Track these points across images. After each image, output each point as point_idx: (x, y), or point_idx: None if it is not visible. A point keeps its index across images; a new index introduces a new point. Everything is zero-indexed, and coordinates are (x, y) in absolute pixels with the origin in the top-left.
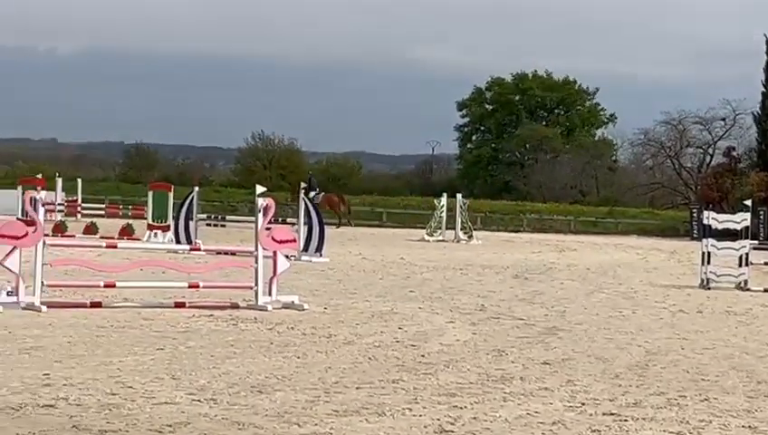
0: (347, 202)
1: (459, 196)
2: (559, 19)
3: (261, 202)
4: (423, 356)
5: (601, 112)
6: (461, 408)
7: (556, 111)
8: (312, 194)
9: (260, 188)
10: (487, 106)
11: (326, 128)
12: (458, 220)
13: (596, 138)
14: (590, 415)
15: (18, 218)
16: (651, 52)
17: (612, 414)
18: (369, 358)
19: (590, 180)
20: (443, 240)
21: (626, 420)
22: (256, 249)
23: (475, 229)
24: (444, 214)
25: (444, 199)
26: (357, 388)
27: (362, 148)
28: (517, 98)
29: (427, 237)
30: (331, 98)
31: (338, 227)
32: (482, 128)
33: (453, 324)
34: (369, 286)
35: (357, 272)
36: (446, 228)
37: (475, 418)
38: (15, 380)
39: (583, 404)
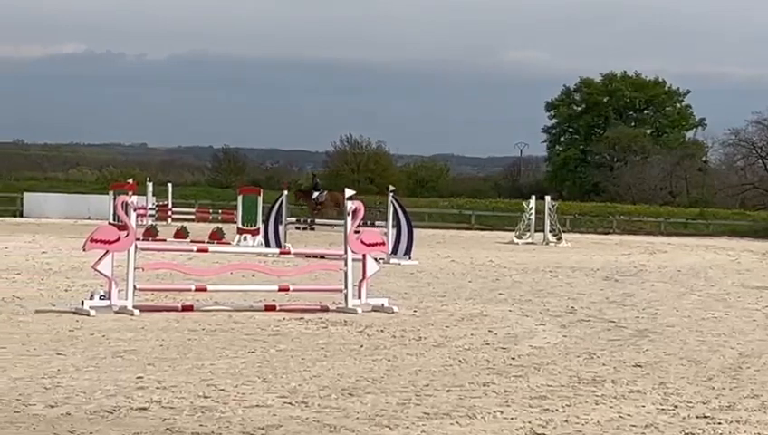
0: None
1: (548, 198)
2: (648, 20)
3: (350, 205)
4: (513, 359)
5: (691, 115)
6: (552, 411)
7: (645, 111)
8: (315, 194)
9: (349, 192)
10: (576, 107)
11: (414, 130)
12: (547, 222)
13: (686, 139)
14: (683, 418)
15: (110, 223)
16: (742, 52)
17: (705, 417)
18: (460, 361)
19: (681, 181)
20: (532, 242)
21: (719, 424)
22: (346, 252)
23: (564, 231)
24: (533, 216)
25: (532, 201)
26: (447, 391)
27: (450, 150)
28: (606, 99)
29: (515, 240)
30: (418, 100)
31: None
32: (570, 129)
33: (543, 327)
34: (459, 289)
35: (446, 274)
36: (535, 231)
37: (566, 421)
38: (109, 383)
39: (676, 407)
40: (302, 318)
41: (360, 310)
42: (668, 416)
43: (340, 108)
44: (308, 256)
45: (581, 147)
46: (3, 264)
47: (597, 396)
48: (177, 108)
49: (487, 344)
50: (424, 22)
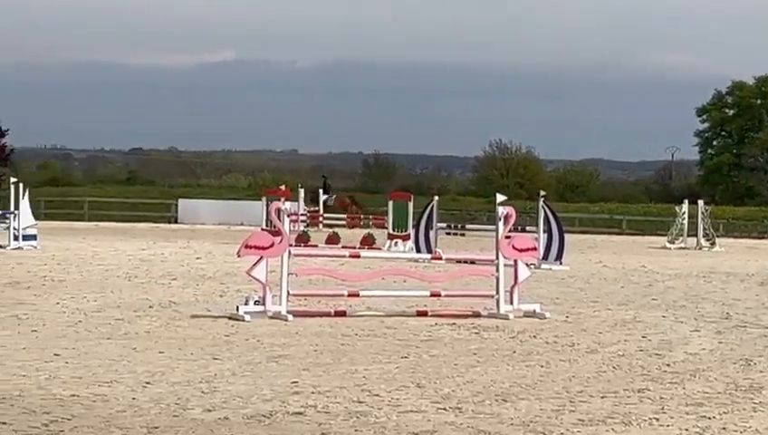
0: (361, 206)
1: (701, 202)
2: None
3: (501, 211)
4: (668, 365)
5: None
6: (709, 418)
7: None
8: (324, 197)
9: (500, 197)
10: (728, 111)
11: (562, 135)
12: (700, 227)
13: None
14: None
15: (263, 229)
16: None
17: None
18: (613, 367)
19: None
20: (685, 247)
21: None
22: (497, 258)
23: (717, 236)
24: (685, 221)
25: (685, 206)
26: (602, 397)
27: (600, 155)
28: (759, 102)
29: (668, 245)
30: (567, 105)
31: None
32: (723, 133)
33: (698, 333)
34: (611, 294)
35: (597, 280)
36: (688, 235)
37: (724, 428)
38: (265, 387)
39: None
40: (454, 323)
41: (511, 315)
42: None
43: (488, 112)
44: (459, 261)
45: (734, 151)
46: (159, 269)
47: (755, 404)
48: (328, 114)
49: (641, 350)
50: (569, 25)
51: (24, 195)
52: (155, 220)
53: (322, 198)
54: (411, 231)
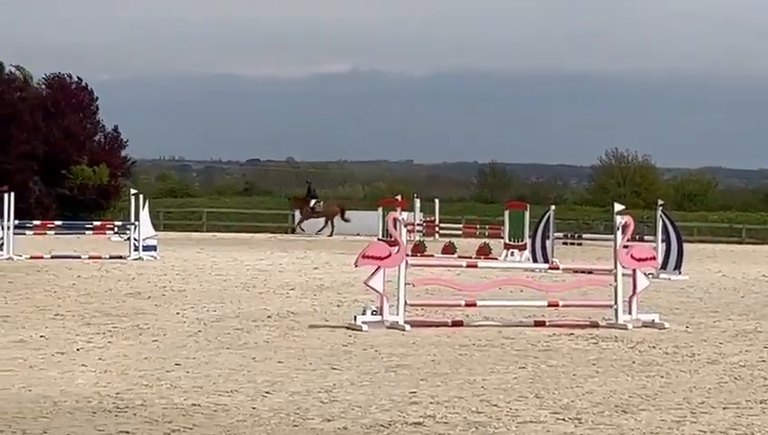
0: (347, 220)
1: None
2: None
3: (619, 220)
4: None
5: None
6: None
7: None
8: (313, 202)
9: (618, 206)
10: None
11: (679, 143)
12: None
13: None
14: None
15: (379, 239)
16: None
17: None
18: (735, 378)
19: None
20: None
21: None
22: (615, 267)
23: None
24: None
25: None
26: (723, 408)
27: (718, 163)
28: None
29: None
30: (683, 113)
31: (330, 235)
32: None
33: None
34: (731, 304)
35: (717, 289)
36: None
37: None
38: (384, 398)
39: None
40: (571, 334)
41: (630, 326)
42: None
43: (603, 121)
44: (576, 271)
45: None
46: (277, 280)
47: None
48: (441, 124)
49: (763, 361)
50: (683, 31)
51: (143, 206)
52: (272, 230)
53: (312, 202)
54: (528, 241)
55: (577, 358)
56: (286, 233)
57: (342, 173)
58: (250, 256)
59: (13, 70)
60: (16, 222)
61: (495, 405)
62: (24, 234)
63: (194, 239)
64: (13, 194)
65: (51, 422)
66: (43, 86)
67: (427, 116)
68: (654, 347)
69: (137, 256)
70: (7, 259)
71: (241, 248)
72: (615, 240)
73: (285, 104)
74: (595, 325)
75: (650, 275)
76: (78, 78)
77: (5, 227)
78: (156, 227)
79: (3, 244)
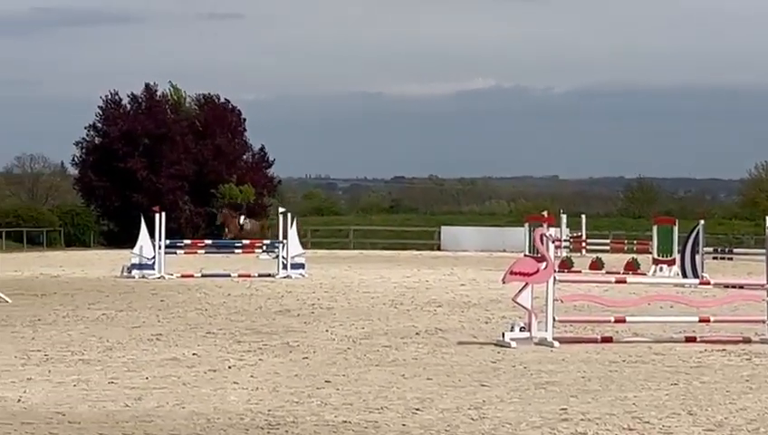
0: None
1: None
2: None
3: None
4: None
5: None
6: None
7: None
8: (242, 219)
9: None
10: None
11: None
12: None
13: None
14: None
15: (526, 255)
16: None
17: None
18: None
19: None
20: None
21: None
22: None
23: None
24: None
25: None
26: None
27: None
28: None
29: None
30: None
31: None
32: None
33: None
34: None
35: None
36: None
37: None
38: (534, 414)
39: None
40: (724, 350)
41: None
42: None
43: (752, 134)
44: (727, 286)
45: None
46: (425, 296)
47: None
48: (587, 139)
49: None
50: None
51: (291, 224)
52: (418, 248)
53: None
54: (677, 256)
55: (730, 374)
56: (432, 250)
57: (488, 190)
58: (397, 273)
59: (168, 89)
60: (167, 241)
61: (648, 422)
62: (175, 253)
63: (341, 257)
64: (164, 214)
65: None
66: (194, 106)
67: (571, 131)
68: None
69: (285, 274)
70: (159, 278)
71: (388, 266)
72: (767, 254)
73: (428, 121)
74: (747, 341)
75: None
76: (225, 99)
77: (157, 247)
78: (303, 245)
79: (155, 263)
